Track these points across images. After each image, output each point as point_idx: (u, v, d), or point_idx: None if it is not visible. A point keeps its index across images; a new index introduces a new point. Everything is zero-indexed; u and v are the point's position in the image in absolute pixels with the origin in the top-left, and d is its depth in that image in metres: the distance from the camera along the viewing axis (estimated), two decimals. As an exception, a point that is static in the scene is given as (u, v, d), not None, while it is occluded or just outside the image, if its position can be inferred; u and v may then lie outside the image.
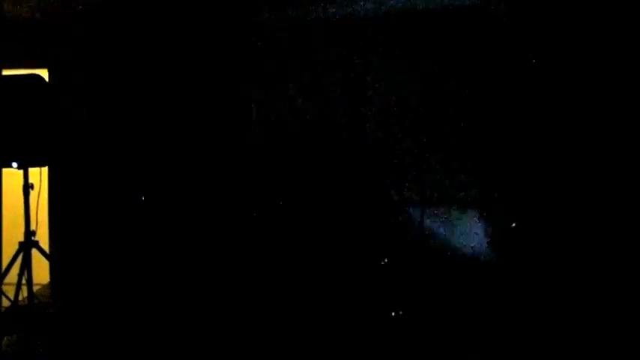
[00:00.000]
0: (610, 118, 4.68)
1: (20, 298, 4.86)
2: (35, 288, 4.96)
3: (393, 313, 4.68)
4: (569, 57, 4.75)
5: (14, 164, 4.75)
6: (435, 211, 5.02)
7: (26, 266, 4.80)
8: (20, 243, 4.83)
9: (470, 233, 5.00)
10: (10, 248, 5.06)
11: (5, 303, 4.91)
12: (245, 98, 5.17)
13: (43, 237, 5.10)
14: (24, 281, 4.79)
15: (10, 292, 4.85)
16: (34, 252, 4.87)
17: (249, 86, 5.16)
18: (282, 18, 5.11)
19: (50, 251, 5.16)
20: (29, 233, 4.84)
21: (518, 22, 4.85)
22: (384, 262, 4.89)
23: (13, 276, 4.83)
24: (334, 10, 5.06)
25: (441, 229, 5.02)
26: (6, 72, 4.95)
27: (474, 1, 4.92)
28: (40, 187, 4.96)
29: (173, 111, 5.18)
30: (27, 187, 4.82)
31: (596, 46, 4.68)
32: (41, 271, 5.18)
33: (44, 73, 5.13)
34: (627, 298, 4.50)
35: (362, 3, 5.07)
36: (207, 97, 5.16)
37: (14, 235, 5.02)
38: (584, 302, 4.56)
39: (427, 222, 5.01)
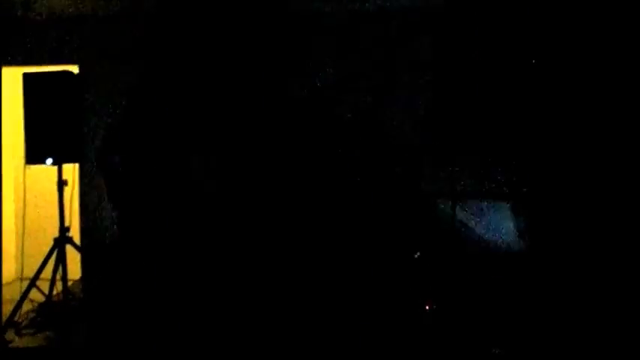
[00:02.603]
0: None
1: (54, 292, 4.88)
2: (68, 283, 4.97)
3: (427, 307, 4.71)
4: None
5: (49, 160, 4.76)
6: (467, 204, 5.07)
7: (61, 262, 4.81)
8: (55, 239, 4.84)
9: (500, 225, 5.05)
10: (39, 244, 5.12)
11: (39, 297, 4.93)
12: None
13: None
14: (58, 277, 4.82)
15: (44, 287, 4.88)
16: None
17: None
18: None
19: (82, 246, 5.18)
20: (63, 229, 4.85)
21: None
22: (417, 255, 4.93)
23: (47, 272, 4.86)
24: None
25: (472, 222, 5.07)
26: (38, 68, 4.93)
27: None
28: (73, 184, 4.98)
29: (201, 108, 5.20)
30: (61, 183, 4.82)
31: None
32: (73, 266, 5.19)
33: (75, 69, 5.16)
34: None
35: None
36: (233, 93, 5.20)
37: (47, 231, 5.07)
38: (611, 292, 4.60)
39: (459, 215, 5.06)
